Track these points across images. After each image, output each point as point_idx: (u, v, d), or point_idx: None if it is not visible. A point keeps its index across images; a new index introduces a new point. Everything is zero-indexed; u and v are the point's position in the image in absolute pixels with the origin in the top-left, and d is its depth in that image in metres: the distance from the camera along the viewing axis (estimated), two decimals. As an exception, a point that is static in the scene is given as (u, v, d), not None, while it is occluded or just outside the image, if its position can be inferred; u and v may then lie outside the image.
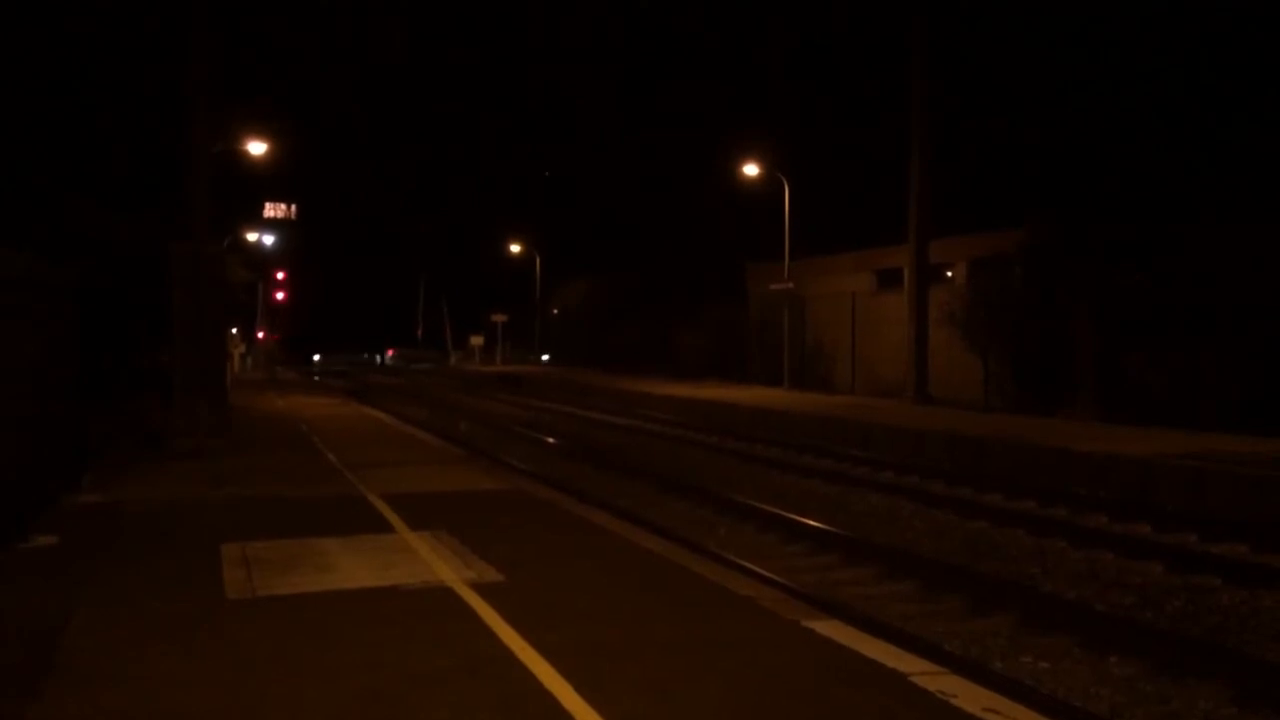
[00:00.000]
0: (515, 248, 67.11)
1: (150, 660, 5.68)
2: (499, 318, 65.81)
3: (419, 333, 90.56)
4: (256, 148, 28.47)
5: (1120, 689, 6.81)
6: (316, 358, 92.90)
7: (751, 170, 33.45)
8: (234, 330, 42.86)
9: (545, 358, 67.10)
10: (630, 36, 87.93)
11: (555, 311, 63.25)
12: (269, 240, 58.68)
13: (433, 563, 7.97)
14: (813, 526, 11.55)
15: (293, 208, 71.43)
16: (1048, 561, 10.47)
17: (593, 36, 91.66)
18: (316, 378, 59.88)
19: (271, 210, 68.35)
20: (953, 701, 5.04)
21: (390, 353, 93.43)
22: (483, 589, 7.14)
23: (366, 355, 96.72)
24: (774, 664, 5.65)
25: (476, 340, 68.00)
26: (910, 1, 25.60)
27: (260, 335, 57.91)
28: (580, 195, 76.92)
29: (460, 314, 79.78)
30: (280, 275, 70.95)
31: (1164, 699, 6.64)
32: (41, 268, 10.59)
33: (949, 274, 30.04)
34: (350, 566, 7.87)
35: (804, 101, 57.08)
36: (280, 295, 73.15)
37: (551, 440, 21.97)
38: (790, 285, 31.81)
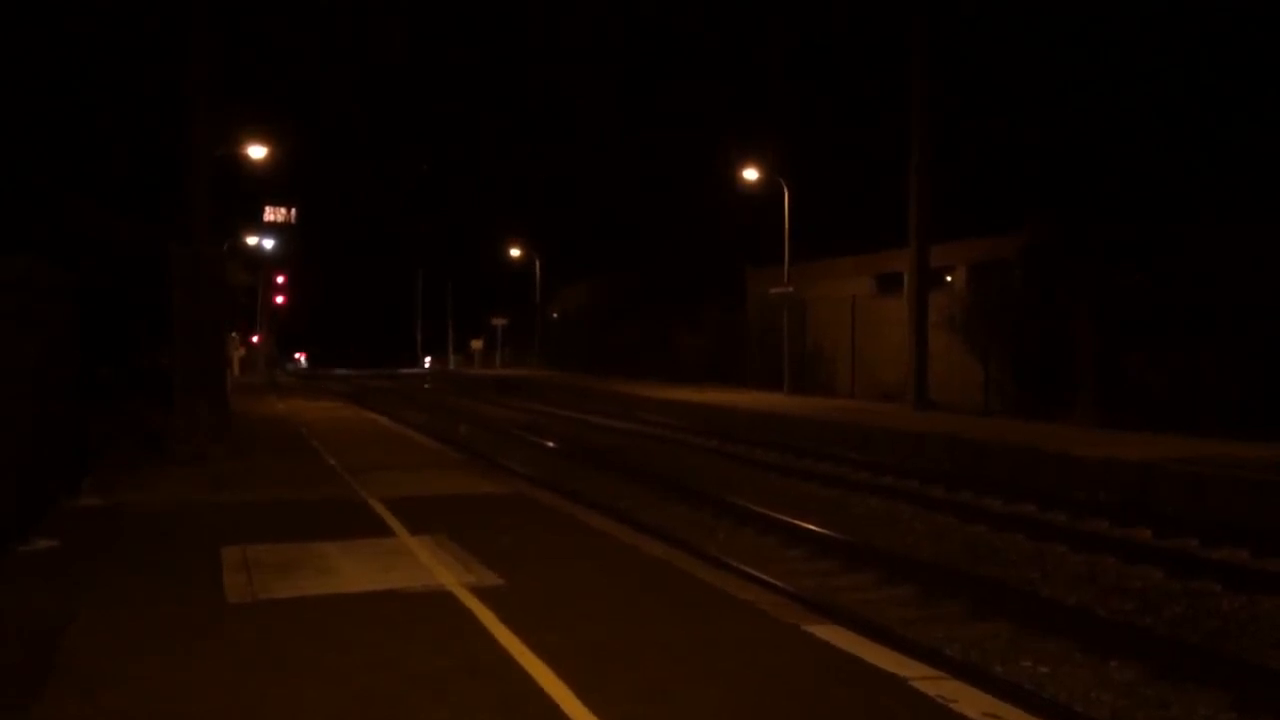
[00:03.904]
0: (515, 251, 67.15)
1: (150, 663, 5.68)
2: (499, 321, 65.85)
3: (418, 336, 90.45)
4: (257, 151, 28.51)
5: (1121, 694, 6.81)
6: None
7: (751, 174, 33.46)
8: (234, 333, 42.85)
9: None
10: (630, 37, 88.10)
11: (555, 315, 63.27)
12: (269, 244, 58.72)
13: (432, 566, 7.97)
14: (812, 530, 11.55)
15: (292, 211, 71.49)
16: (1047, 566, 10.47)
17: (593, 37, 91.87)
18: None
19: (271, 214, 68.41)
20: (953, 706, 5.04)
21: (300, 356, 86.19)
22: (482, 592, 7.14)
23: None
24: (774, 667, 5.65)
25: (476, 344, 68.06)
26: (910, 2, 25.61)
27: (256, 339, 57.87)
28: (580, 196, 77.04)
29: (460, 317, 79.84)
30: (280, 279, 70.95)
31: (1164, 704, 6.64)
32: (41, 269, 10.59)
33: (949, 278, 30.03)
34: (350, 570, 7.87)
35: (804, 103, 57.18)
36: (280, 299, 73.12)
37: (551, 444, 21.97)
38: (790, 289, 31.81)
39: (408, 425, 24.49)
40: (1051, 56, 44.29)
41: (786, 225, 31.99)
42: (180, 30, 17.58)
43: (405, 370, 78.94)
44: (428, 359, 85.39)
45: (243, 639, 6.11)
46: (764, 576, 9.40)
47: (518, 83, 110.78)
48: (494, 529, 9.52)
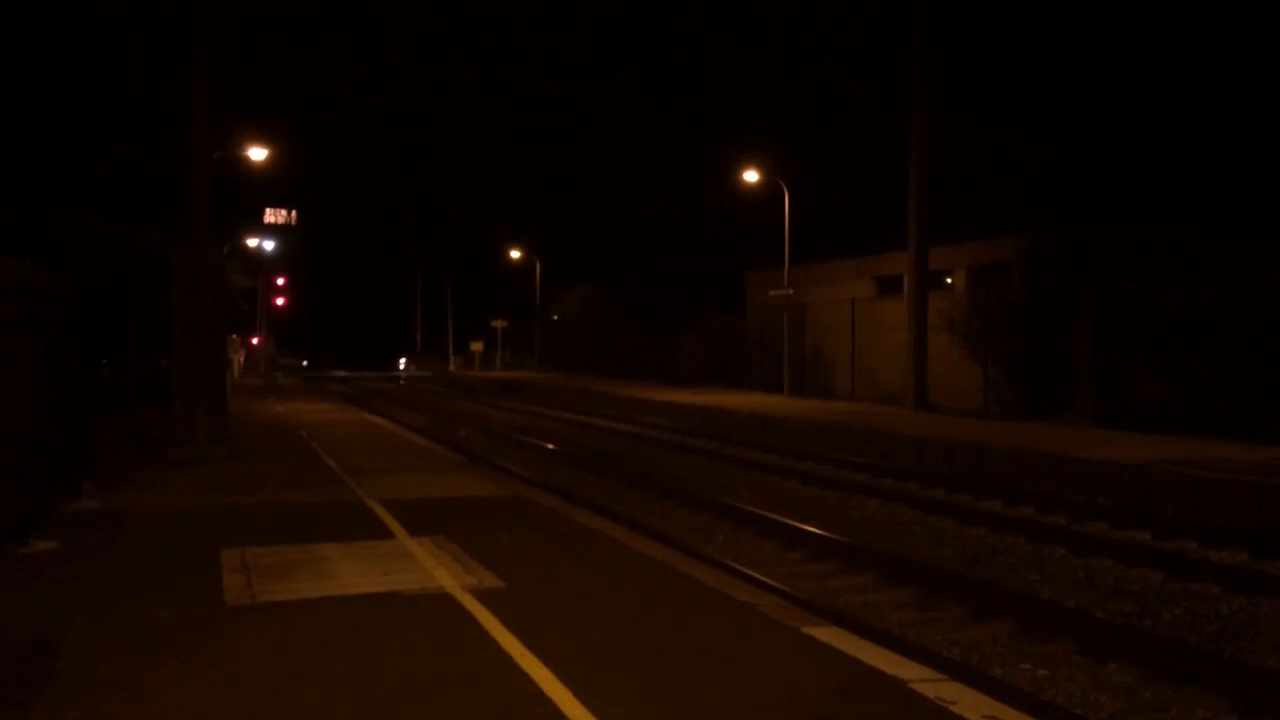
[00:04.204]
0: (515, 253, 67.24)
1: (150, 666, 5.68)
2: (499, 323, 65.86)
3: (417, 338, 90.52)
4: (257, 153, 28.49)
5: (1119, 696, 6.81)
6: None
7: (751, 176, 33.47)
8: (234, 335, 42.81)
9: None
10: (630, 39, 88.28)
11: (555, 318, 63.28)
12: (269, 246, 58.65)
13: (432, 568, 7.97)
14: (812, 533, 11.55)
15: (293, 213, 71.38)
16: (1047, 568, 10.47)
17: (593, 39, 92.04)
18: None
19: (272, 215, 68.26)
20: (952, 708, 5.04)
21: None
22: (482, 595, 7.14)
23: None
24: (774, 671, 5.65)
25: (476, 346, 68.07)
26: (911, 5, 25.62)
27: (255, 341, 57.80)
28: (580, 199, 77.15)
29: (460, 319, 79.82)
30: (280, 281, 70.90)
31: (1163, 706, 6.64)
32: (42, 275, 10.61)
33: (948, 280, 30.06)
34: (350, 572, 7.87)
35: (804, 105, 57.30)
36: (280, 301, 73.05)
37: (551, 446, 21.96)
38: (789, 292, 31.83)
39: (407, 428, 24.49)
40: (1053, 60, 44.37)
41: (786, 228, 32.01)
42: (182, 32, 17.60)
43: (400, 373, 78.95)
44: (403, 360, 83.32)
45: (242, 643, 6.11)
46: (764, 579, 9.40)
47: (518, 85, 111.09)
48: (494, 531, 9.53)
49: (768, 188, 33.88)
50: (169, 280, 15.76)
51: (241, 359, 50.10)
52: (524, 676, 5.46)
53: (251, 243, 51.43)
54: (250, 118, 31.81)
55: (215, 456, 15.18)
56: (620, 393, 35.83)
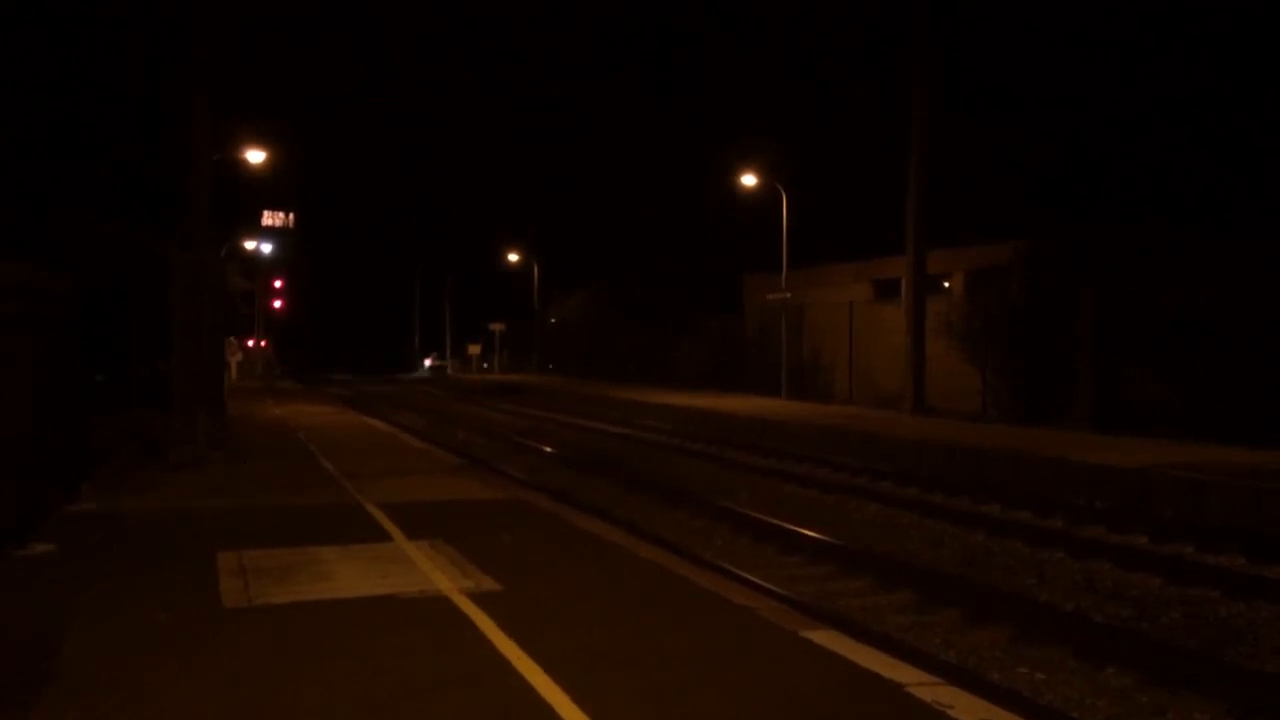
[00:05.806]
0: (513, 256, 67.30)
1: (148, 669, 5.68)
2: (496, 326, 65.91)
3: (415, 340, 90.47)
4: (255, 155, 28.48)
5: (1116, 700, 6.81)
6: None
7: (749, 180, 33.48)
8: (232, 338, 42.77)
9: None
10: (630, 41, 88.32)
11: (553, 320, 63.32)
12: (266, 248, 58.72)
13: (430, 572, 7.98)
14: (811, 537, 11.55)
15: (290, 216, 71.34)
16: (1045, 572, 10.48)
17: (593, 41, 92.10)
18: None
19: (270, 218, 68.21)
20: (949, 712, 5.05)
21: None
22: (480, 598, 7.14)
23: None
24: (772, 674, 5.66)
25: (473, 349, 68.06)
26: (910, 7, 25.63)
27: (249, 343, 57.79)
28: (579, 201, 77.15)
29: (458, 322, 79.80)
30: (278, 284, 70.91)
31: (1160, 710, 6.64)
32: (42, 275, 10.61)
33: (946, 284, 30.06)
34: (347, 575, 7.87)
35: (802, 108, 57.34)
36: (278, 304, 73.03)
37: (549, 450, 21.96)
38: (787, 295, 31.84)
39: (405, 430, 24.48)
40: (1053, 60, 44.42)
41: (784, 231, 32.03)
42: (182, 32, 17.60)
43: (404, 375, 78.77)
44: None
45: (240, 645, 6.11)
46: (762, 582, 9.41)
47: (518, 85, 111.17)
48: (492, 534, 9.53)
49: (767, 189, 33.89)
50: (169, 281, 15.76)
51: (239, 360, 50.06)
52: (521, 679, 5.47)
53: (250, 245, 51.44)
54: (250, 118, 31.79)
55: (214, 459, 15.18)
56: (619, 395, 35.83)
